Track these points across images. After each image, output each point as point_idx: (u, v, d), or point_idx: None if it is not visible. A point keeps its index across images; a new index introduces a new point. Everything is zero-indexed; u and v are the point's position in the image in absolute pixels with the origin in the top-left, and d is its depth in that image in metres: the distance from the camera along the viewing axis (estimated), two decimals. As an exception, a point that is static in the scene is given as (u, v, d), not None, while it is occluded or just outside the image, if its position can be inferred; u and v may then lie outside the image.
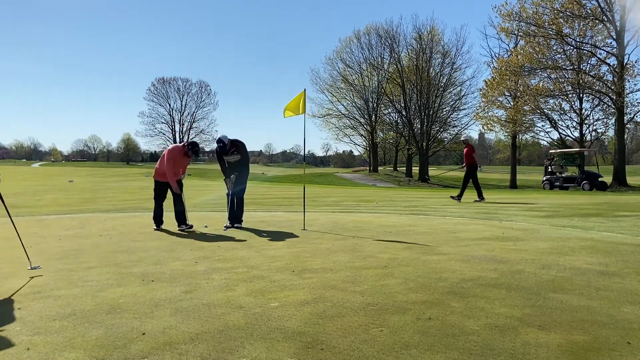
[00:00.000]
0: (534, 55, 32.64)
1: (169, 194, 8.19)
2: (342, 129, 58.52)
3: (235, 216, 8.34)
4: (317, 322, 3.15)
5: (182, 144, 8.36)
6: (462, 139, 16.91)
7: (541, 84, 35.07)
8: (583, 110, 36.63)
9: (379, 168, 61.67)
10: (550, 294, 3.74)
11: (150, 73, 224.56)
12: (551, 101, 36.77)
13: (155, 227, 8.09)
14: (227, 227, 8.11)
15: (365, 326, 3.06)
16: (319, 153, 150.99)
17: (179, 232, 7.76)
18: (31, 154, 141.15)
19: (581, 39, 32.54)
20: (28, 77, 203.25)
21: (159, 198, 8.23)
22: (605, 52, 31.48)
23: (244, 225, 8.32)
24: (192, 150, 8.22)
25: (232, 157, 8.36)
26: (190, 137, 74.31)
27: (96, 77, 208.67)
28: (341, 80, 55.75)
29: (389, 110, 55.71)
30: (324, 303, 3.57)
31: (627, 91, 30.87)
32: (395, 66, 51.05)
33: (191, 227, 7.97)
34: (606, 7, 29.58)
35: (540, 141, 50.25)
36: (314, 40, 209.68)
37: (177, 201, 8.05)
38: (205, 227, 8.24)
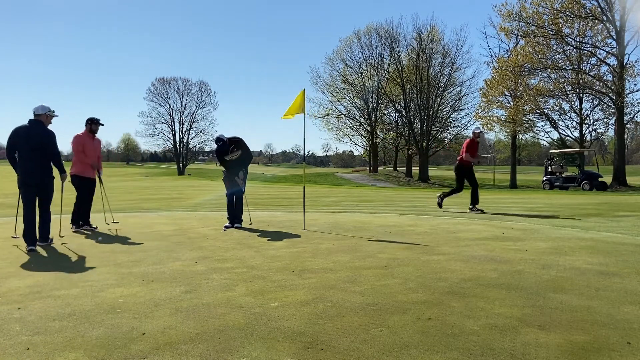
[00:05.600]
0: (534, 55, 32.61)
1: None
2: (342, 129, 58.49)
3: (235, 216, 8.33)
4: (317, 322, 3.15)
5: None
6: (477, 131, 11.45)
7: (541, 84, 35.06)
8: (583, 110, 36.62)
9: (379, 168, 61.63)
10: (550, 294, 3.74)
11: (150, 73, 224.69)
12: (551, 101, 36.76)
13: (76, 228, 7.87)
14: (227, 227, 8.10)
15: (365, 326, 3.06)
16: (319, 153, 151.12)
17: (175, 232, 7.75)
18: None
19: (581, 39, 32.52)
20: (27, 76, 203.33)
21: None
22: (605, 52, 31.48)
23: (243, 225, 8.32)
24: (94, 123, 8.00)
25: (234, 155, 8.32)
26: (190, 137, 74.26)
27: (96, 77, 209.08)
28: (341, 80, 55.69)
29: (389, 110, 55.66)
30: (323, 303, 3.57)
31: (627, 91, 30.86)
32: (395, 66, 51.00)
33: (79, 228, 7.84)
34: (606, 7, 29.57)
35: (540, 141, 50.35)
36: (314, 40, 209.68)
37: (89, 198, 7.97)
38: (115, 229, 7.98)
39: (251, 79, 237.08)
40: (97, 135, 8.26)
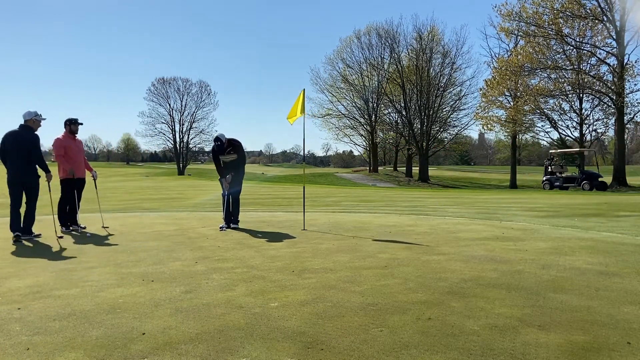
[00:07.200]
0: (534, 55, 32.62)
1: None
2: (342, 129, 58.46)
3: (232, 217, 8.31)
4: (317, 322, 3.15)
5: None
6: None
7: (541, 84, 35.08)
8: (583, 110, 36.65)
9: (379, 168, 61.60)
10: (550, 294, 3.74)
11: (150, 73, 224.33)
12: (551, 101, 36.80)
13: (65, 229, 7.87)
14: (222, 228, 8.06)
15: (365, 326, 3.06)
16: (319, 153, 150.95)
17: (175, 232, 7.75)
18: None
19: (581, 39, 32.54)
20: (27, 76, 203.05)
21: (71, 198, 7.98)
22: (605, 52, 31.50)
23: (242, 225, 8.31)
24: (73, 123, 7.93)
25: (229, 157, 8.31)
26: (190, 137, 74.25)
27: (96, 77, 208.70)
28: (341, 80, 55.67)
29: (389, 110, 55.64)
30: (323, 303, 3.57)
31: (627, 91, 30.88)
32: (395, 66, 50.98)
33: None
34: (606, 7, 29.58)
35: (540, 141, 50.34)
36: (314, 40, 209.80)
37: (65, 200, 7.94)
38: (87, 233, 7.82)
39: (251, 79, 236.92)
40: (78, 136, 8.15)
